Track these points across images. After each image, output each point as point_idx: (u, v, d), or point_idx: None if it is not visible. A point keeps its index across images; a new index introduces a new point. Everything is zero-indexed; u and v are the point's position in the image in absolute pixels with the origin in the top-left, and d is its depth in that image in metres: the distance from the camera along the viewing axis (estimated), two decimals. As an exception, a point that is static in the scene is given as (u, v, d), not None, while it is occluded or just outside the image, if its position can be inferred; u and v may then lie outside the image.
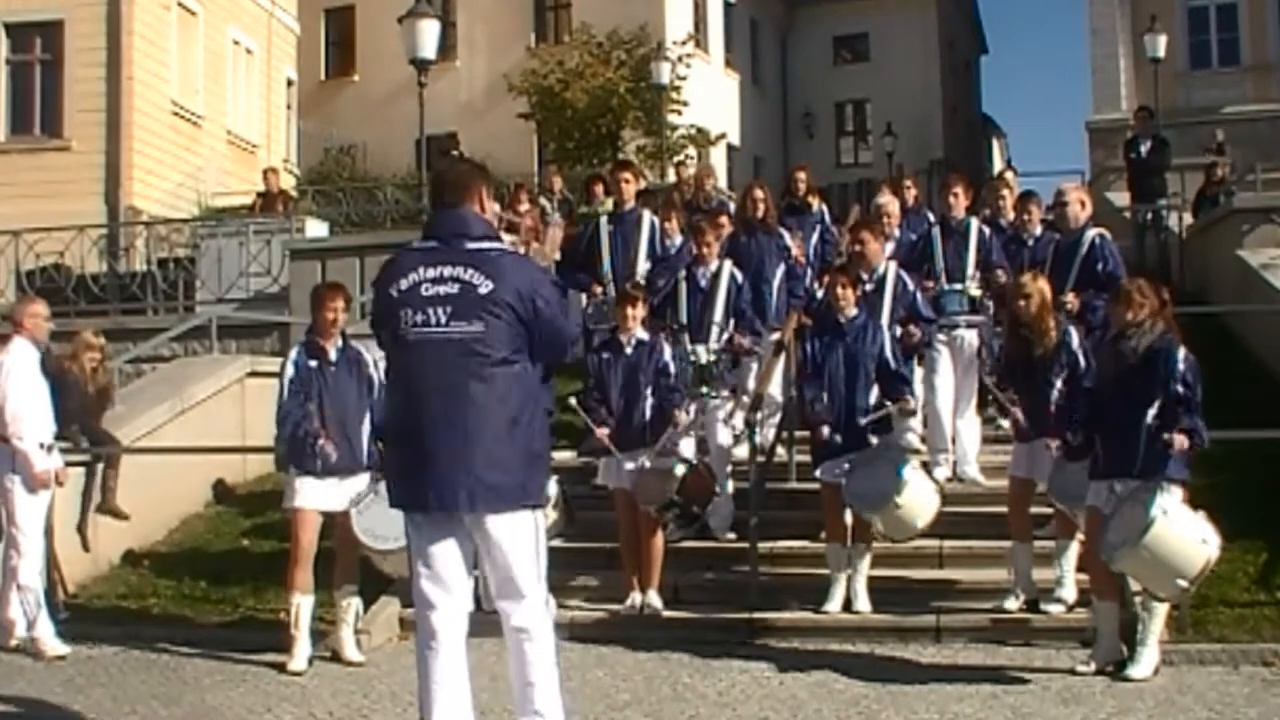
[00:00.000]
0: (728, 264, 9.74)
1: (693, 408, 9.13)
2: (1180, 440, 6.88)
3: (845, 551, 8.52)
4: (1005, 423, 10.86)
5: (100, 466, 10.39)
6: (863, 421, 8.44)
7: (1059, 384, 7.99)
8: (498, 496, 4.92)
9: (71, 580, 9.89)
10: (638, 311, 8.83)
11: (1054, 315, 8.20)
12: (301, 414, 7.95)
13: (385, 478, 5.33)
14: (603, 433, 8.69)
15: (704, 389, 9.28)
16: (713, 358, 9.38)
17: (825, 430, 8.51)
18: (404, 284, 5.00)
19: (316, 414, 7.96)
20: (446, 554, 5.05)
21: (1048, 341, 8.07)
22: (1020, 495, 8.35)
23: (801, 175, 12.54)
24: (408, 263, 5.06)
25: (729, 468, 9.64)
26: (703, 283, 9.58)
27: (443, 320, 4.92)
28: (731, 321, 9.48)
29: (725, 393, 9.57)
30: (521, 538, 5.01)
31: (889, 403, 8.52)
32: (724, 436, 9.55)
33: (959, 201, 10.33)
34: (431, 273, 4.97)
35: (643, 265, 10.80)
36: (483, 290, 4.91)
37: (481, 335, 4.89)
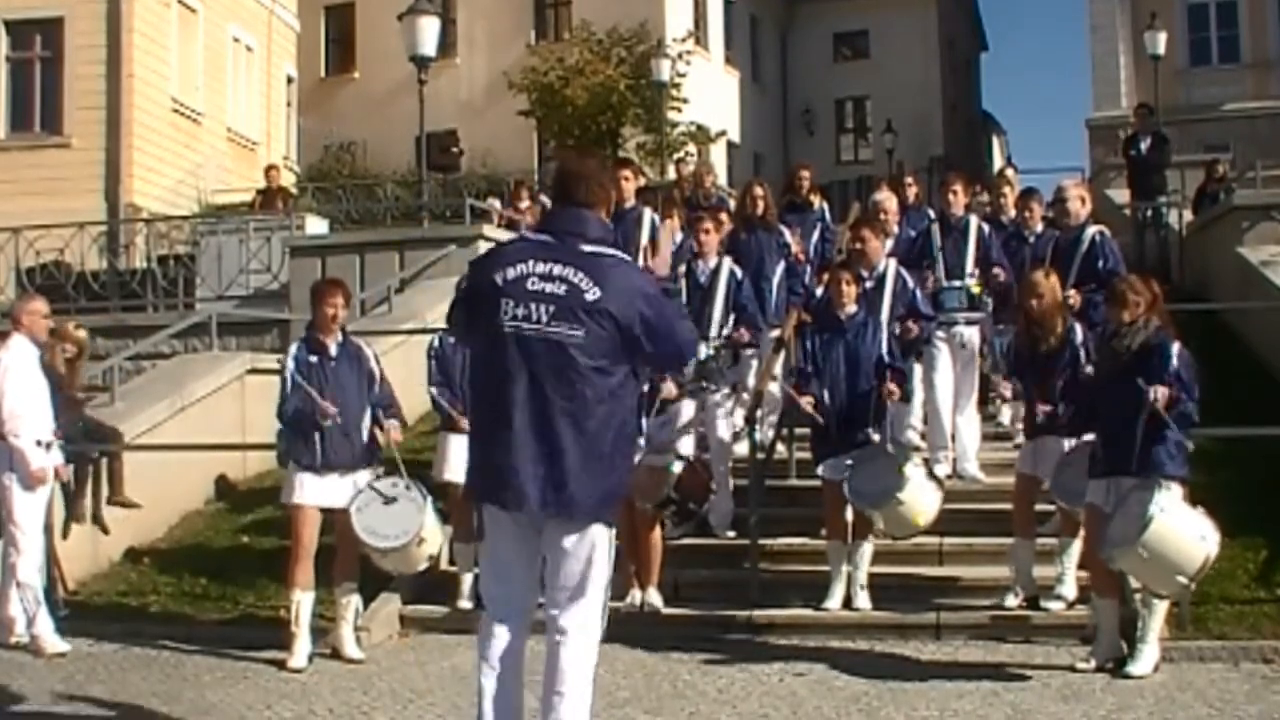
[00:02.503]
0: (727, 260, 9.72)
1: (692, 404, 9.13)
2: (1162, 392, 6.85)
3: (845, 549, 8.52)
4: (1005, 419, 10.94)
5: (101, 460, 10.33)
6: (875, 437, 8.42)
7: (1062, 380, 8.01)
8: (578, 507, 4.83)
9: (71, 577, 9.87)
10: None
11: (1062, 312, 8.23)
12: (302, 399, 7.94)
13: (468, 465, 5.22)
14: None
15: (703, 384, 9.27)
16: (712, 353, 9.36)
17: (807, 403, 8.49)
18: (510, 273, 4.87)
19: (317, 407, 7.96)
20: (517, 554, 4.99)
21: (1054, 338, 8.10)
22: (1025, 491, 8.35)
23: (805, 174, 12.52)
24: (518, 253, 4.95)
25: (729, 463, 9.63)
26: (702, 279, 9.56)
27: (544, 319, 4.79)
28: (732, 317, 9.47)
29: (725, 389, 9.55)
30: (596, 550, 4.94)
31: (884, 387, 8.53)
32: (725, 432, 9.54)
33: (958, 199, 10.34)
34: (541, 268, 4.84)
35: (641, 263, 10.80)
36: (590, 296, 4.79)
37: (581, 341, 4.77)
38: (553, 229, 5.03)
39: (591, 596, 4.97)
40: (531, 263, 4.88)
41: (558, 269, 4.84)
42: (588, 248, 4.91)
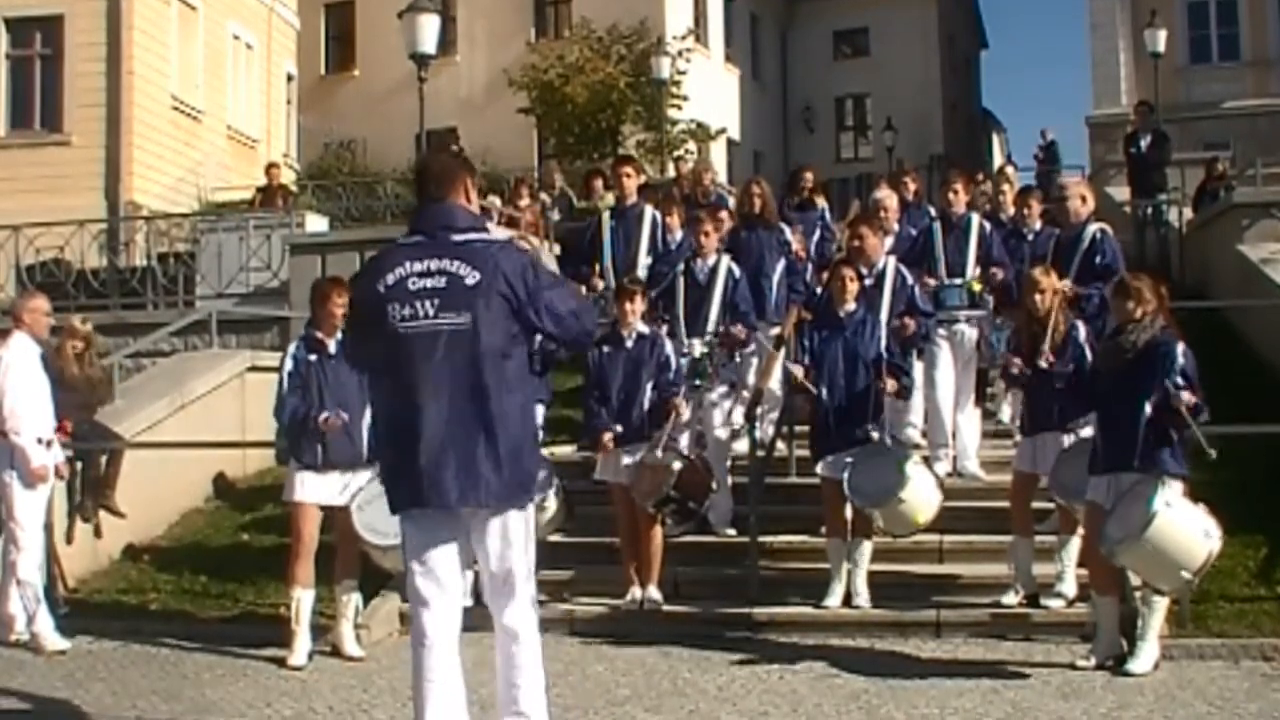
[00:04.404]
0: (725, 258, 9.74)
1: (689, 403, 9.14)
2: (1187, 397, 6.85)
3: (845, 546, 8.52)
4: (1005, 417, 10.94)
5: (101, 460, 10.36)
6: (874, 434, 8.41)
7: (1062, 381, 8.00)
8: (494, 493, 4.87)
9: (71, 575, 9.88)
10: (636, 306, 8.82)
11: (1063, 310, 8.22)
12: (299, 401, 7.96)
13: (380, 476, 5.28)
14: (608, 438, 8.67)
15: (698, 382, 9.28)
16: (707, 350, 9.38)
17: (798, 371, 8.52)
18: (390, 279, 4.94)
19: (317, 408, 7.97)
20: (442, 551, 5.00)
21: (1056, 336, 8.09)
22: (1022, 489, 8.35)
23: (808, 175, 12.95)
24: (393, 258, 5.00)
25: (728, 462, 9.64)
26: (700, 277, 9.58)
27: (430, 313, 4.86)
28: (728, 315, 9.48)
29: (723, 387, 9.56)
30: (515, 534, 4.98)
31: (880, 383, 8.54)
32: (721, 430, 9.55)
33: (959, 197, 10.35)
34: (418, 266, 4.92)
35: (644, 260, 10.83)
36: (469, 281, 4.86)
37: (471, 326, 4.85)
38: (422, 227, 5.09)
39: (522, 585, 5.00)
40: (408, 264, 4.95)
41: (434, 264, 4.92)
42: (459, 237, 4.98)
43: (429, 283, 4.90)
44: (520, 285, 4.91)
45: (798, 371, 8.63)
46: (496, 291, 4.87)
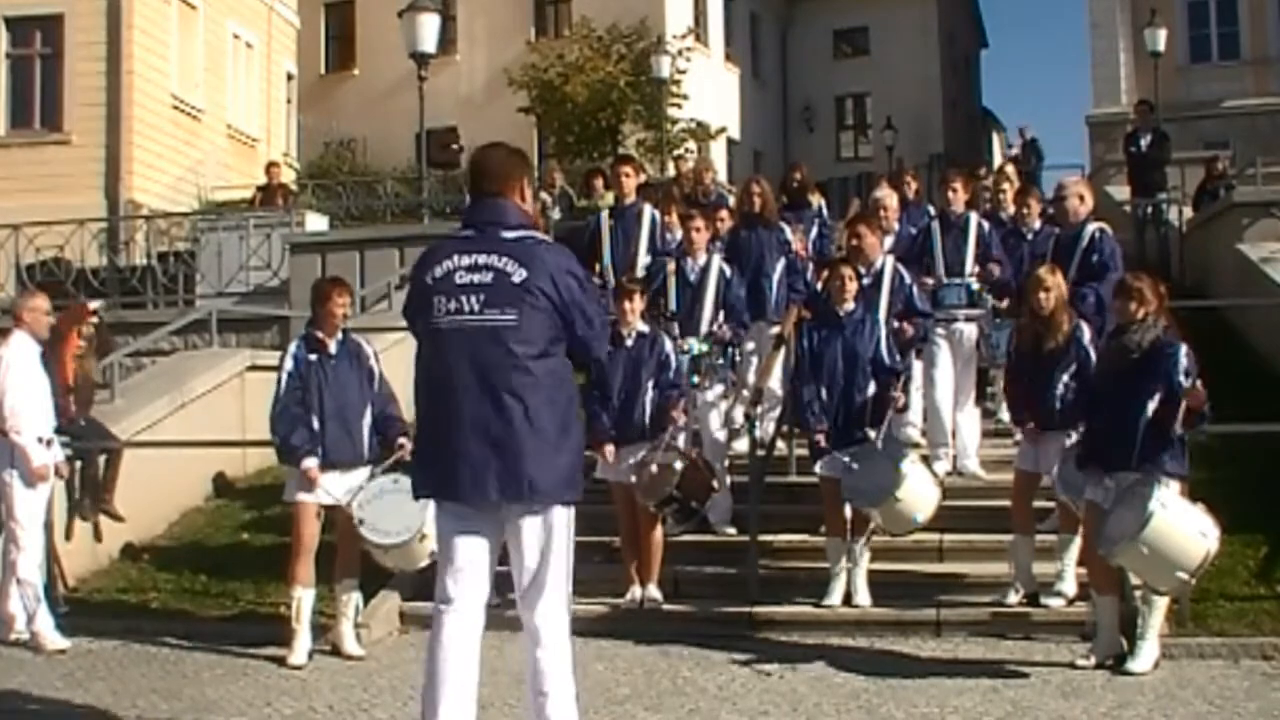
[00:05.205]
0: (716, 258, 9.77)
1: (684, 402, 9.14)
2: (1200, 389, 6.86)
3: (845, 545, 8.52)
4: (1005, 416, 10.92)
5: (100, 461, 10.34)
6: (872, 434, 8.39)
7: (1066, 378, 8.00)
8: (535, 490, 4.86)
9: (71, 574, 9.87)
10: (635, 305, 8.82)
11: (1067, 310, 8.22)
12: (294, 418, 7.95)
13: (414, 464, 5.28)
14: (610, 450, 8.65)
15: (694, 380, 9.28)
16: (704, 348, 9.38)
17: (820, 439, 8.52)
18: (438, 271, 4.96)
19: (317, 408, 7.97)
20: (474, 548, 4.99)
21: (1060, 336, 8.08)
22: (1024, 488, 8.34)
23: (797, 175, 12.95)
24: (444, 251, 5.02)
25: (726, 461, 9.64)
26: (691, 277, 9.60)
27: (476, 308, 4.87)
28: (721, 314, 9.49)
29: (719, 387, 9.56)
30: (557, 533, 4.96)
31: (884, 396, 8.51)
32: (717, 429, 9.54)
33: (958, 196, 10.35)
34: (466, 260, 4.93)
35: (643, 259, 10.84)
36: (516, 278, 4.87)
37: (516, 323, 4.85)
38: (473, 222, 5.11)
39: (556, 587, 4.97)
40: (457, 257, 4.97)
41: (482, 259, 4.94)
42: (509, 234, 4.99)
43: (476, 278, 4.91)
44: (565, 285, 4.93)
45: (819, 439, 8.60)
46: (542, 290, 4.88)
